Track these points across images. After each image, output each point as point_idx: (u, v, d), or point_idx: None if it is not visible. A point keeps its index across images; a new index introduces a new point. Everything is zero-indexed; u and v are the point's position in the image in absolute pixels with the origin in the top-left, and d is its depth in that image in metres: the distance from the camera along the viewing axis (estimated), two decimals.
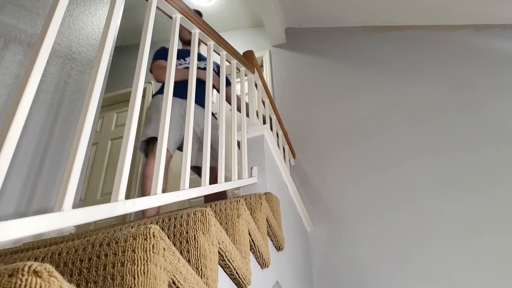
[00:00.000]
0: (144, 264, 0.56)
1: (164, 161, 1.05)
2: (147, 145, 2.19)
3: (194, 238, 0.79)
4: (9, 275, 0.36)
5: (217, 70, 2.53)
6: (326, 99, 3.27)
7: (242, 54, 2.02)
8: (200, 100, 2.00)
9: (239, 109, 2.30)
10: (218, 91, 2.40)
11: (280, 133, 2.63)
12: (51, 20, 0.76)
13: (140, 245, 0.58)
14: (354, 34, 3.54)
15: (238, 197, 1.38)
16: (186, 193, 1.12)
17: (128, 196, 3.17)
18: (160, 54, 2.41)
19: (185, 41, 2.60)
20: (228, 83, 2.47)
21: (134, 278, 0.54)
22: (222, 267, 0.94)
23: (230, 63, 1.86)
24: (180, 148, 2.25)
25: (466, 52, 3.00)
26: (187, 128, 1.24)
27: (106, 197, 3.32)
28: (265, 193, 1.53)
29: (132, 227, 0.68)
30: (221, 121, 1.58)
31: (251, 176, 1.72)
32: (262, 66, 3.81)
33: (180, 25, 1.37)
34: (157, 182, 1.00)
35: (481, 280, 2.13)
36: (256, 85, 2.15)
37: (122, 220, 2.99)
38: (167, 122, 1.11)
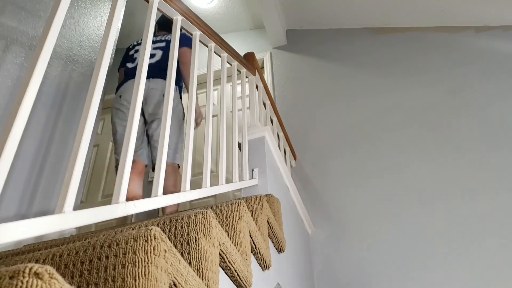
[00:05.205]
0: (145, 266, 0.55)
1: (165, 163, 1.05)
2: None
3: (195, 240, 0.79)
4: (10, 277, 0.36)
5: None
6: (327, 100, 3.27)
7: (243, 55, 2.02)
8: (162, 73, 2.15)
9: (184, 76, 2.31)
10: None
11: (281, 134, 2.63)
12: (52, 22, 0.76)
13: (141, 247, 0.57)
14: (355, 36, 3.54)
15: (239, 199, 1.38)
16: (187, 195, 1.12)
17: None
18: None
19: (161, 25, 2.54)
20: (185, 44, 2.32)
21: (135, 280, 0.54)
22: (223, 269, 0.93)
23: (231, 64, 1.87)
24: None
25: (467, 53, 3.00)
26: (188, 130, 1.24)
27: (107, 199, 3.32)
28: (266, 195, 1.53)
29: (133, 229, 0.68)
30: (222, 122, 1.58)
31: (252, 178, 1.72)
32: (263, 67, 3.81)
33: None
34: (157, 184, 1.00)
35: (483, 283, 2.12)
36: (257, 87, 2.16)
37: (123, 222, 2.99)
38: (168, 126, 1.11)
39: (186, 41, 2.29)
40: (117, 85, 2.31)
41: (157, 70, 2.20)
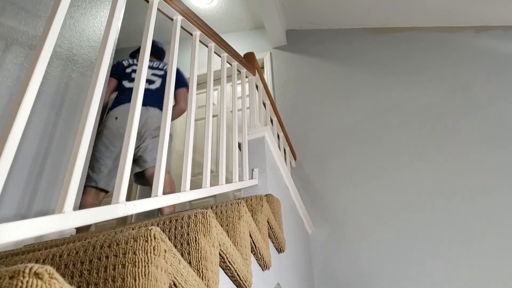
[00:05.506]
0: (145, 266, 0.55)
1: (164, 163, 1.05)
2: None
3: (195, 240, 0.79)
4: (10, 277, 0.36)
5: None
6: (327, 100, 3.27)
7: (243, 56, 2.02)
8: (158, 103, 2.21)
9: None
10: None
11: (281, 134, 2.63)
12: (52, 23, 0.76)
13: (141, 247, 0.57)
14: (355, 36, 3.54)
15: (239, 199, 1.38)
16: (187, 195, 1.12)
17: (129, 198, 3.17)
18: (111, 70, 2.43)
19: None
20: (182, 85, 2.44)
21: (135, 280, 0.54)
22: (223, 269, 0.93)
23: (231, 64, 1.87)
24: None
25: (467, 53, 3.00)
26: (188, 130, 1.24)
27: (107, 199, 3.31)
28: (266, 195, 1.53)
29: (133, 229, 0.68)
30: (222, 122, 1.58)
31: (252, 178, 1.72)
32: (263, 67, 3.81)
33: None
34: (157, 184, 1.00)
35: (483, 283, 2.12)
36: (257, 87, 2.16)
37: (123, 222, 2.99)
38: (168, 124, 1.11)
39: (182, 81, 2.43)
40: (112, 103, 2.29)
41: (156, 98, 2.27)
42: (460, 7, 3.00)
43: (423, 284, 2.22)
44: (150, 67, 2.43)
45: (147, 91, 2.27)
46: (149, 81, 2.35)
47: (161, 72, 2.43)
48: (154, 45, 2.59)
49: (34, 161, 1.57)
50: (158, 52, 2.60)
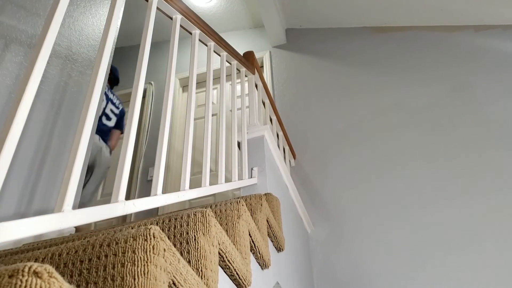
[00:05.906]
0: (144, 265, 0.56)
1: (164, 162, 1.05)
2: None
3: (195, 239, 0.79)
4: (9, 276, 0.36)
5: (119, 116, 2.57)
6: (326, 99, 3.27)
7: (242, 54, 2.02)
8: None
9: None
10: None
11: (281, 133, 2.63)
12: (51, 21, 0.76)
13: (140, 246, 0.57)
14: (355, 35, 3.54)
15: (238, 198, 1.38)
16: (186, 194, 1.12)
17: (128, 197, 3.17)
18: None
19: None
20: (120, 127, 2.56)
21: (134, 279, 0.54)
22: (222, 268, 0.93)
23: (230, 63, 1.87)
24: None
25: (467, 52, 3.00)
26: (188, 129, 1.24)
27: (106, 198, 3.31)
28: (265, 194, 1.53)
29: (132, 228, 0.68)
30: (221, 121, 1.58)
31: (251, 177, 1.72)
32: (262, 66, 3.81)
33: None
34: (157, 183, 1.00)
35: (483, 282, 2.12)
36: (256, 86, 2.15)
37: (123, 221, 2.99)
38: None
39: (122, 125, 2.58)
40: None
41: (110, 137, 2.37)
42: (459, 6, 3.00)
43: (423, 283, 2.22)
44: (110, 101, 2.49)
45: (104, 126, 2.34)
46: (106, 116, 2.41)
47: (117, 111, 2.51)
48: (114, 72, 2.63)
49: (33, 160, 1.57)
50: (114, 80, 2.64)
